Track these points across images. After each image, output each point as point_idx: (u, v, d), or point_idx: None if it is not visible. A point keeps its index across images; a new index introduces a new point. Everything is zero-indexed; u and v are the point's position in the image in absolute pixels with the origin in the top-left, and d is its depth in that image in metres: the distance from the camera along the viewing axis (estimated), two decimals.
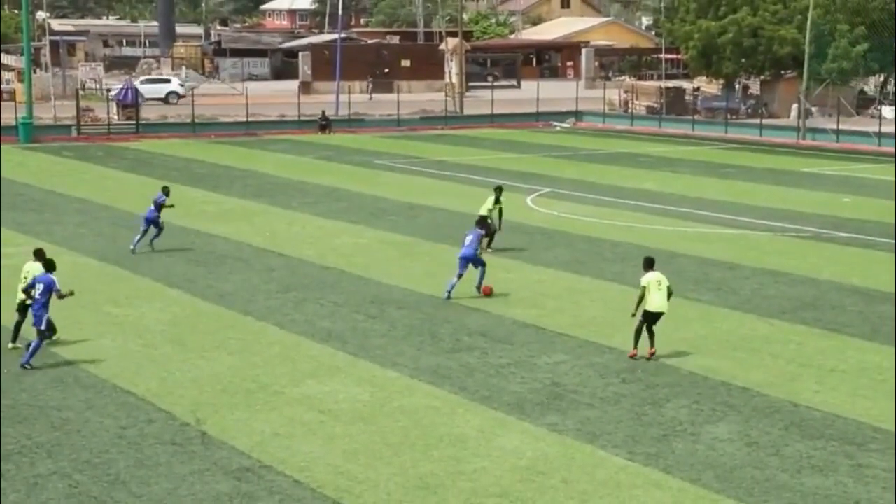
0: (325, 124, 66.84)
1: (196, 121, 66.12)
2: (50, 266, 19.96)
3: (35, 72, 75.09)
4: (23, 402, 17.99)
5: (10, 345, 20.65)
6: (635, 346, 20.42)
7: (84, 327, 21.96)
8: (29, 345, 19.81)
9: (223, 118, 69.02)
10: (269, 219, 35.60)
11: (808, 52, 63.66)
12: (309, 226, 34.59)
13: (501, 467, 15.51)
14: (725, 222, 34.73)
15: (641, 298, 20.35)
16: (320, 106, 71.11)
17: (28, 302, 19.88)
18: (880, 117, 62.89)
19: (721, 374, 19.58)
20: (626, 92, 78.45)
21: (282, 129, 66.94)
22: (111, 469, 15.31)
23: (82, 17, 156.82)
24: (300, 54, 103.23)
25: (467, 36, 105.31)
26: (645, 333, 20.41)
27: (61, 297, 19.77)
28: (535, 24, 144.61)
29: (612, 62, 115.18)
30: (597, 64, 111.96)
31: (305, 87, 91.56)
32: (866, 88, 78.32)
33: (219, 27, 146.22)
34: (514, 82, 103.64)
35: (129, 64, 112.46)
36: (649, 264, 20.82)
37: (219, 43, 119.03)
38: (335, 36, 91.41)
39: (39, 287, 19.59)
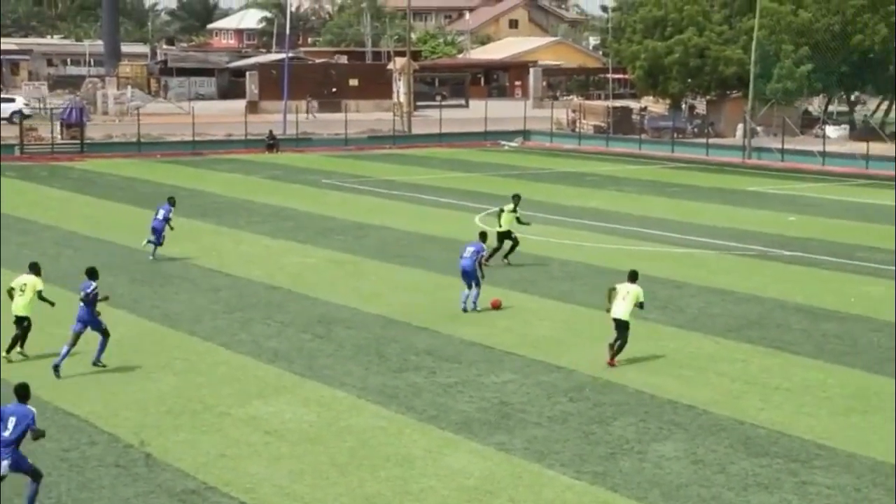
0: (272, 144, 66.65)
1: (142, 140, 65.70)
2: (93, 275, 20.99)
3: None
4: None
5: (3, 354, 21.26)
6: (611, 357, 21.33)
7: (27, 348, 21.72)
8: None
9: (169, 137, 68.63)
10: (216, 238, 35.43)
11: (753, 72, 64.38)
12: (256, 245, 34.46)
13: (448, 487, 15.51)
14: (672, 241, 35.00)
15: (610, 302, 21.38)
16: (268, 125, 70.93)
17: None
18: (824, 137, 63.74)
19: (668, 392, 19.71)
20: (573, 111, 78.93)
21: (229, 148, 66.67)
22: (53, 492, 15.15)
23: (26, 36, 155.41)
24: (248, 73, 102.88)
25: (415, 55, 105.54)
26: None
27: (104, 299, 21.04)
28: (483, 43, 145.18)
29: (560, 82, 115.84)
30: (545, 83, 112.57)
31: (253, 107, 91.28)
32: (811, 108, 79.35)
33: (165, 46, 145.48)
34: (463, 101, 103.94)
35: (73, 83, 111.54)
36: (630, 277, 21.79)
37: (165, 62, 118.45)
38: (283, 55, 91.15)
39: (82, 294, 20.67)
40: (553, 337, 23.59)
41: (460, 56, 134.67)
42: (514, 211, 30.96)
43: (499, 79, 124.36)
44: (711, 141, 66.42)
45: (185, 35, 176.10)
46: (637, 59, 73.81)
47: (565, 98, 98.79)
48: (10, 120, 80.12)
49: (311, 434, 17.57)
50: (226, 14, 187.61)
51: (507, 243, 30.99)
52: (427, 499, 15.10)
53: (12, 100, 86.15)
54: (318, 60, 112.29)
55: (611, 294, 21.49)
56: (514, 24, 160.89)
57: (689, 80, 73.42)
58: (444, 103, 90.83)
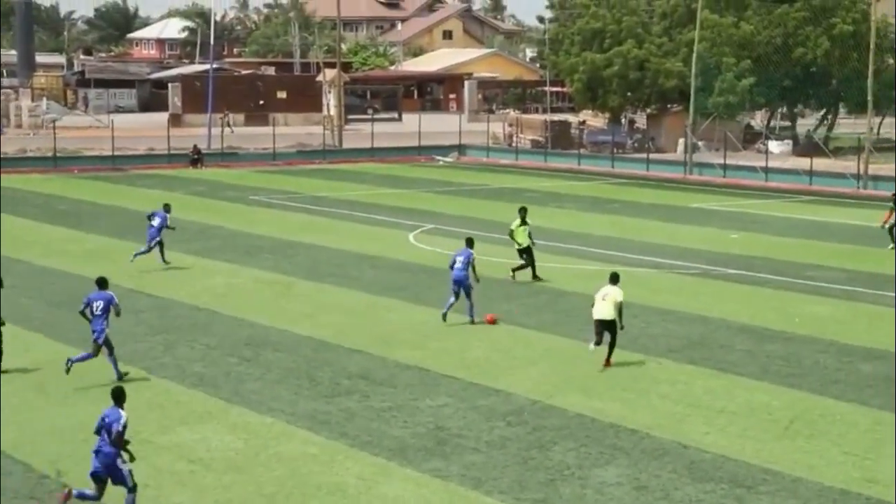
0: (196, 158, 66.27)
1: (58, 155, 65.04)
2: (104, 284, 21.84)
3: None
4: None
5: None
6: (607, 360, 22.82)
7: None
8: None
9: (87, 152, 68.00)
10: (137, 258, 35.07)
11: (694, 86, 65.10)
12: (180, 265, 34.18)
13: None
14: (613, 259, 35.22)
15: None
16: (192, 139, 70.51)
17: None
18: (767, 152, 64.52)
19: (609, 415, 19.80)
20: (510, 125, 79.29)
21: (151, 163, 66.19)
22: None
23: None
24: (170, 85, 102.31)
25: (346, 67, 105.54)
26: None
27: (118, 313, 21.67)
28: (416, 55, 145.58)
29: (496, 95, 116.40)
30: (480, 96, 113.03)
31: (176, 120, 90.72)
32: (753, 123, 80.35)
33: (82, 56, 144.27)
34: (395, 115, 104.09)
35: None
36: (612, 279, 23.17)
37: (82, 73, 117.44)
38: (207, 66, 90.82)
39: (99, 304, 21.33)
40: (490, 359, 23.62)
41: (392, 68, 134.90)
42: (524, 224, 31.21)
43: (433, 91, 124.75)
44: (652, 156, 67.04)
45: (104, 45, 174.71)
46: (575, 72, 74.36)
47: (501, 111, 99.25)
48: None
49: (238, 462, 17.43)
50: (146, 23, 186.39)
51: (525, 257, 31.42)
52: None
53: None
54: (244, 72, 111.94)
55: (594, 300, 22.90)
56: (448, 35, 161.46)
57: (629, 94, 74.08)
58: (376, 117, 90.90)
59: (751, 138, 73.33)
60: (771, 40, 69.21)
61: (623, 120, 78.07)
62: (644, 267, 34.06)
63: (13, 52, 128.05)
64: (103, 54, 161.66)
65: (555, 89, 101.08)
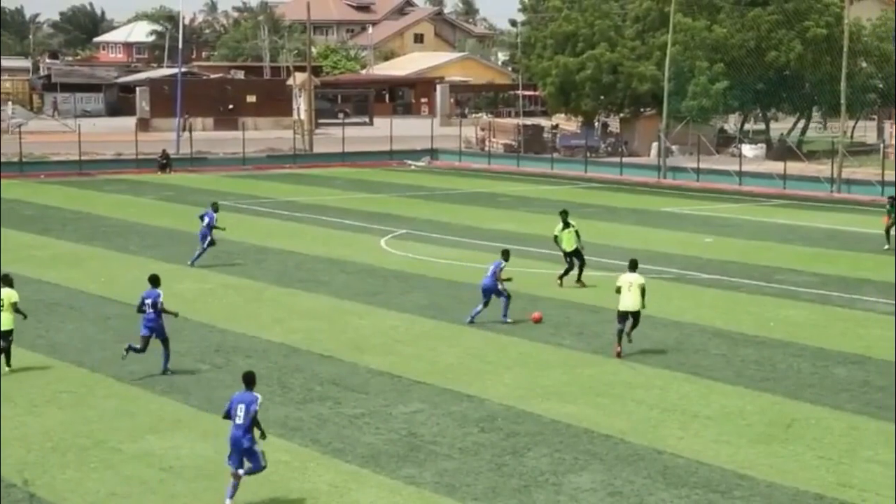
0: (165, 163, 66.06)
1: (24, 160, 64.72)
2: (156, 282, 22.86)
3: None
4: None
5: (6, 369, 22.46)
6: (618, 344, 23.94)
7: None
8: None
9: (54, 157, 67.70)
10: (105, 264, 34.98)
11: (667, 90, 65.34)
12: (148, 270, 33.91)
13: None
14: (587, 264, 35.26)
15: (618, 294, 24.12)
16: (160, 144, 70.29)
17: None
18: (741, 156, 64.81)
19: (583, 421, 19.85)
20: (482, 129, 79.37)
21: (118, 168, 65.94)
22: None
23: None
24: (138, 89, 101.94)
25: (316, 71, 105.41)
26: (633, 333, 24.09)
27: (167, 311, 22.58)
28: (387, 59, 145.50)
29: (468, 98, 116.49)
30: (452, 100, 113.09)
31: (144, 124, 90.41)
32: (726, 127, 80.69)
33: (48, 60, 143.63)
34: (367, 119, 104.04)
35: None
36: (631, 266, 24.48)
37: (49, 77, 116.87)
38: (175, 70, 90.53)
39: (150, 301, 22.41)
40: (463, 365, 23.64)
41: (363, 72, 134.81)
42: (568, 226, 31.22)
43: (404, 95, 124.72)
44: (625, 160, 67.25)
45: (70, 48, 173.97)
46: (548, 76, 74.51)
47: (474, 116, 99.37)
48: None
49: (208, 470, 17.39)
50: (113, 27, 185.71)
51: (576, 261, 31.51)
52: None
53: None
54: (213, 76, 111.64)
55: (618, 290, 24.10)
56: (419, 38, 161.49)
57: (602, 98, 74.28)
58: (347, 121, 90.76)
59: (724, 142, 73.64)
60: (744, 44, 69.52)
61: (596, 124, 78.26)
62: (618, 272, 34.07)
63: None
64: (70, 58, 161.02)
65: (527, 93, 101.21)
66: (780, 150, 67.29)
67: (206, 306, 29.02)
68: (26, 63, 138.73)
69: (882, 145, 64.74)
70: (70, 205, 49.87)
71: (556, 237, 31.81)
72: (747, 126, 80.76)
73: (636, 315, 24.13)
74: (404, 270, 34.30)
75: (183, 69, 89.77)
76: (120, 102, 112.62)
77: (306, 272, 33.86)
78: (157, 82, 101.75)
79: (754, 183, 59.48)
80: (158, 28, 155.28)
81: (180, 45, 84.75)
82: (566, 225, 31.50)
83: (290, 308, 28.92)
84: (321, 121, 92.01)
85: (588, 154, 69.61)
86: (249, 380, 16.35)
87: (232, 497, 15.99)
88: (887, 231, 39.02)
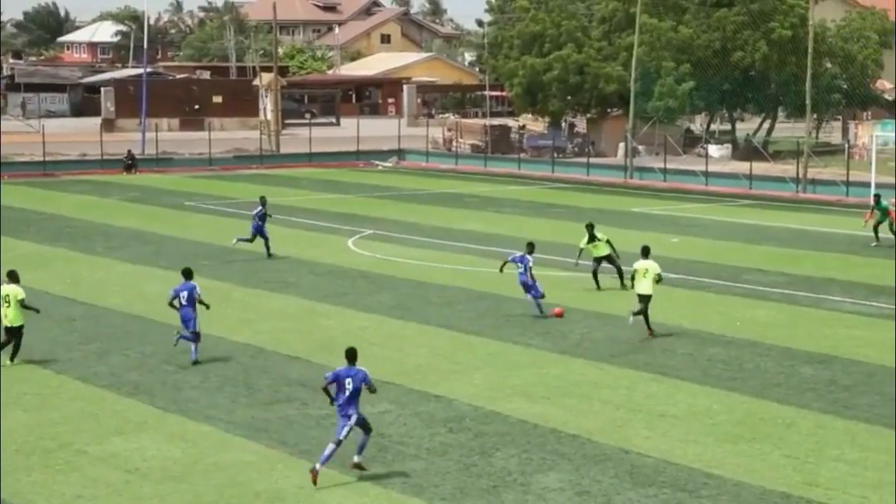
0: (130, 164, 65.79)
1: None
2: (189, 275, 23.80)
3: None
4: None
5: (8, 362, 22.99)
6: (648, 329, 25.80)
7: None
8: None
9: (18, 157, 67.26)
10: (70, 265, 34.79)
11: (633, 90, 65.53)
12: (114, 272, 33.92)
13: None
14: (554, 264, 35.34)
15: (633, 280, 26.34)
16: (125, 144, 69.97)
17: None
18: (707, 156, 65.07)
19: (551, 421, 19.89)
20: (449, 130, 79.37)
21: (83, 168, 65.59)
22: None
23: None
24: (102, 90, 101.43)
25: (283, 71, 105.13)
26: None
27: (202, 303, 23.47)
28: (353, 59, 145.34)
29: (435, 99, 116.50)
30: (419, 101, 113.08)
31: (108, 125, 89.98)
32: (693, 127, 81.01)
33: (11, 60, 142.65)
34: (333, 119, 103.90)
35: None
36: (644, 252, 26.42)
37: (12, 77, 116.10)
38: (140, 70, 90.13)
39: (185, 294, 23.22)
40: (431, 365, 23.63)
41: (330, 72, 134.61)
42: (594, 240, 31.22)
43: (371, 96, 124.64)
44: (592, 160, 67.40)
45: (34, 48, 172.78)
46: (515, 76, 74.58)
47: (441, 116, 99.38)
48: None
49: (175, 472, 17.32)
50: (78, 26, 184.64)
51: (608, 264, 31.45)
52: None
53: None
54: (178, 76, 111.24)
55: (634, 275, 26.07)
56: (386, 38, 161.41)
57: (569, 98, 74.39)
58: (313, 121, 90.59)
59: (691, 142, 73.89)
60: (710, 44, 69.78)
61: (563, 124, 78.37)
62: (586, 272, 34.19)
63: None
64: (33, 58, 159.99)
65: (494, 93, 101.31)
66: (746, 151, 67.58)
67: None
68: None
69: (847, 146, 65.14)
70: (34, 206, 49.57)
71: (580, 251, 31.53)
72: (713, 126, 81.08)
73: (648, 298, 25.82)
74: (372, 271, 34.26)
75: (148, 69, 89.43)
76: (84, 103, 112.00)
77: (274, 273, 33.78)
78: (122, 83, 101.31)
79: (720, 183, 59.74)
80: (123, 28, 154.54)
81: (145, 46, 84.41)
82: (592, 238, 31.30)
83: (257, 309, 28.83)
84: (288, 121, 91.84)
85: (555, 154, 69.75)
86: (352, 356, 17.37)
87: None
88: (875, 229, 39.47)
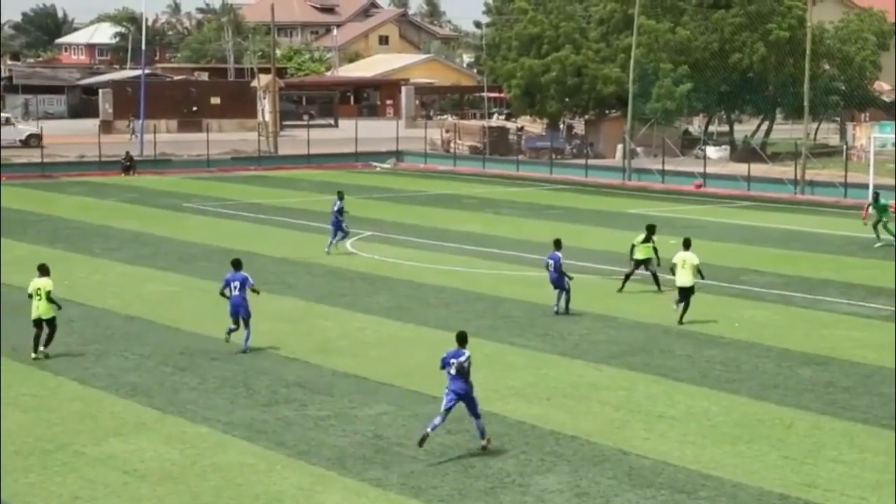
0: (128, 165, 65.78)
1: None
2: (239, 265, 24.88)
3: None
4: None
5: (32, 355, 23.50)
6: (679, 316, 27.04)
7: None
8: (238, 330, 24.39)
9: (16, 159, 67.23)
10: (68, 266, 34.74)
11: (631, 92, 65.55)
12: (112, 273, 33.90)
13: None
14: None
15: (673, 273, 27.47)
16: (123, 146, 69.91)
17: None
18: (705, 158, 65.07)
19: (549, 422, 19.88)
20: (447, 131, 79.38)
21: (81, 170, 65.56)
22: None
23: None
24: (100, 91, 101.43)
25: (281, 72, 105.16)
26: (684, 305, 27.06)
27: (255, 290, 24.81)
28: (352, 60, 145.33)
29: (434, 100, 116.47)
30: (417, 102, 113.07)
31: (107, 126, 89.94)
32: (691, 129, 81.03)
33: (10, 62, 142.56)
34: (332, 121, 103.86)
35: None
36: (685, 244, 27.94)
37: (10, 79, 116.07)
38: (139, 72, 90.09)
39: (237, 284, 24.40)
40: (429, 366, 23.55)
41: (328, 73, 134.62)
42: (648, 241, 31.09)
43: (369, 97, 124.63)
44: (591, 162, 67.41)
45: (32, 50, 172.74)
46: (513, 78, 74.57)
47: (439, 117, 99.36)
48: None
49: (173, 473, 17.30)
50: (76, 28, 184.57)
51: (643, 272, 31.25)
52: None
53: None
54: (176, 77, 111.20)
55: (674, 267, 27.32)
56: (384, 40, 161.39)
57: (567, 100, 74.40)
58: (312, 123, 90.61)
59: (689, 144, 73.91)
60: (708, 46, 69.81)
61: (561, 126, 78.39)
62: (584, 273, 34.19)
63: None
64: (31, 59, 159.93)
65: (492, 95, 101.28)
66: (744, 152, 67.63)
67: (171, 309, 28.88)
68: None
69: (845, 147, 65.15)
70: (32, 207, 49.54)
71: (633, 246, 31.32)
72: (711, 128, 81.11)
73: (689, 291, 26.97)
74: (370, 272, 34.25)
75: (146, 71, 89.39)
76: (82, 104, 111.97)
77: (272, 274, 33.75)
78: (120, 84, 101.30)
79: (718, 185, 59.75)
80: (121, 30, 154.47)
81: (143, 47, 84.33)
82: (647, 239, 31.19)
83: (255, 310, 28.68)
84: (286, 123, 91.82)
85: (553, 156, 69.75)
86: (463, 338, 18.60)
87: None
88: (875, 228, 39.65)
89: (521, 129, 78.67)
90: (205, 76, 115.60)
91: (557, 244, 28.78)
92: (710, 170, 61.66)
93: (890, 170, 55.39)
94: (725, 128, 79.79)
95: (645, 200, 55.18)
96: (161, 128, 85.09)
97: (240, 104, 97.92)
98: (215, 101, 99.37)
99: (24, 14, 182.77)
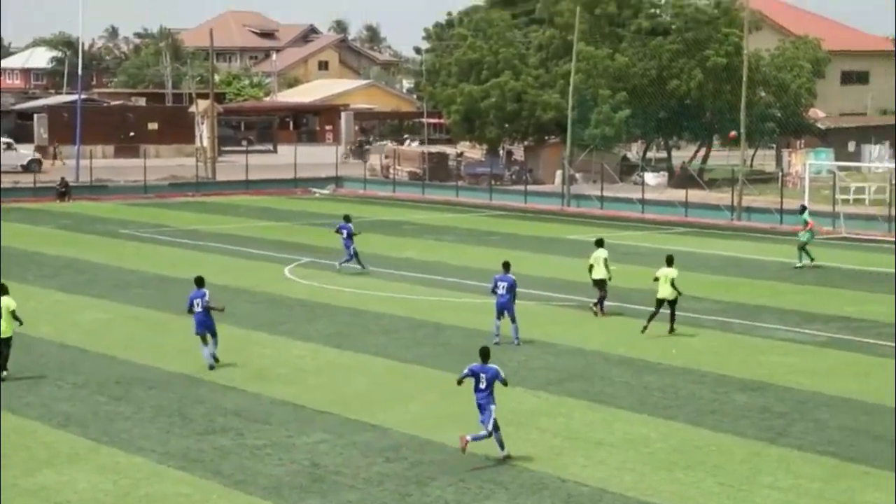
0: (64, 191, 65.18)
1: None
2: (202, 283, 25.66)
3: None
4: None
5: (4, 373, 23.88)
6: (648, 321, 29.02)
7: None
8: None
9: None
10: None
11: (570, 118, 65.97)
12: (46, 301, 33.55)
13: None
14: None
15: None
16: (59, 172, 69.27)
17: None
18: (643, 184, 65.56)
19: (488, 449, 19.88)
20: (387, 157, 79.43)
21: (15, 196, 64.81)
22: None
23: None
24: (36, 116, 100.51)
25: (219, 98, 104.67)
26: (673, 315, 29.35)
27: (213, 308, 25.29)
28: (291, 86, 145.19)
29: (373, 126, 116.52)
30: (357, 128, 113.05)
31: (42, 152, 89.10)
32: (629, 155, 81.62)
33: None
34: (271, 146, 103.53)
35: None
36: (668, 261, 29.49)
37: None
38: (75, 97, 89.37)
39: (198, 301, 25.10)
40: (368, 394, 23.57)
41: (267, 99, 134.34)
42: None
43: (309, 123, 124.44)
44: (530, 188, 67.68)
45: None
46: (453, 103, 74.82)
47: (378, 143, 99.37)
48: None
49: None
50: (11, 52, 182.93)
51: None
52: None
53: None
54: (113, 102, 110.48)
55: (656, 279, 29.04)
56: (323, 65, 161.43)
57: (507, 125, 74.73)
58: (250, 148, 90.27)
59: (627, 170, 74.43)
60: (646, 72, 70.47)
61: (501, 152, 78.72)
62: (523, 299, 34.24)
63: None
64: None
65: (432, 121, 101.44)
66: (682, 179, 68.20)
67: (107, 337, 28.63)
68: None
69: (780, 174, 65.91)
70: None
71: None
72: (650, 154, 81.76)
73: (672, 303, 28.94)
74: (309, 299, 34.16)
75: (83, 96, 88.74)
76: (18, 129, 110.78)
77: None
78: (56, 109, 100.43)
79: (657, 211, 60.21)
80: (57, 54, 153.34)
81: (80, 72, 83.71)
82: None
83: (192, 338, 28.54)
84: (224, 148, 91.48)
85: (493, 182, 70.02)
86: (485, 354, 19.81)
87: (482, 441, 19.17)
88: (801, 248, 40.90)
89: (461, 154, 78.88)
90: (142, 101, 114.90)
91: (507, 267, 28.60)
92: (648, 196, 62.12)
93: (826, 196, 56.10)
94: (664, 154, 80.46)
95: (584, 226, 55.44)
96: (97, 153, 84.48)
97: (178, 129, 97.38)
98: (153, 126, 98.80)
99: None
